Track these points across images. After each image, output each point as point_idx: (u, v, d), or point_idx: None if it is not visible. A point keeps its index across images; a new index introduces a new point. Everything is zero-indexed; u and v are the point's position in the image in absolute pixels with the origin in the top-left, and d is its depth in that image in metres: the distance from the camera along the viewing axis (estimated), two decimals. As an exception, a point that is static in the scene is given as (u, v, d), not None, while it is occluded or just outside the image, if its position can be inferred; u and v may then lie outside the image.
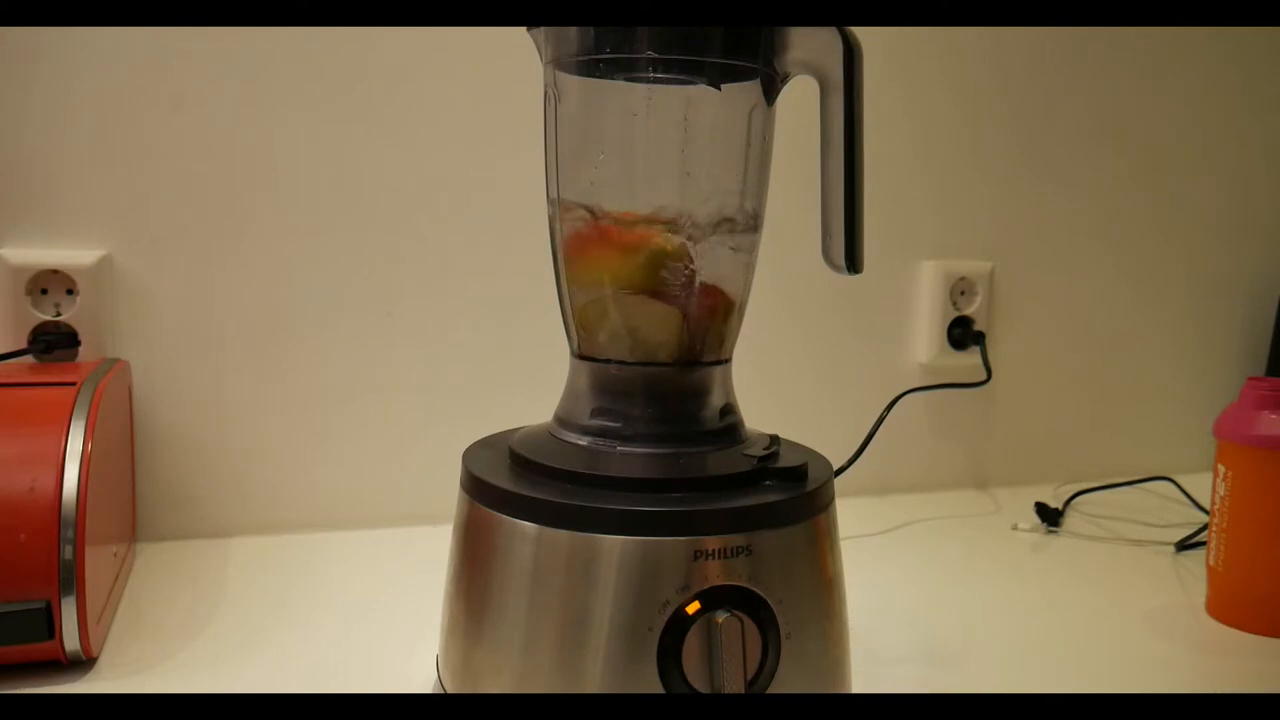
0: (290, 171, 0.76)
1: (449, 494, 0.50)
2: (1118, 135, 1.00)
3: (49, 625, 0.51)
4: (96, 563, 0.55)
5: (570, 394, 0.51)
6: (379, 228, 0.79)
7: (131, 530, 0.73)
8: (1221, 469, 0.66)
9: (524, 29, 0.50)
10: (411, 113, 0.78)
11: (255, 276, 0.77)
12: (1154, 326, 1.05)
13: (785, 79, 0.48)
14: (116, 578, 0.64)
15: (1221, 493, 0.66)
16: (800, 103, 0.52)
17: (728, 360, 0.51)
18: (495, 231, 0.81)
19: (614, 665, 0.42)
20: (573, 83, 0.48)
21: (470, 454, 0.50)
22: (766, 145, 0.50)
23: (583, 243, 0.49)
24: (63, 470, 0.53)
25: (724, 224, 0.49)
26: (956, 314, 0.95)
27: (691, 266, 0.48)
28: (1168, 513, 0.92)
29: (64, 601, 0.52)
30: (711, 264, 0.49)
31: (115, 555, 0.64)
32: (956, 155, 0.95)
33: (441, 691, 0.48)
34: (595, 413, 0.49)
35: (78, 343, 0.72)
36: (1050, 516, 0.87)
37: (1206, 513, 0.70)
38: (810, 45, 0.46)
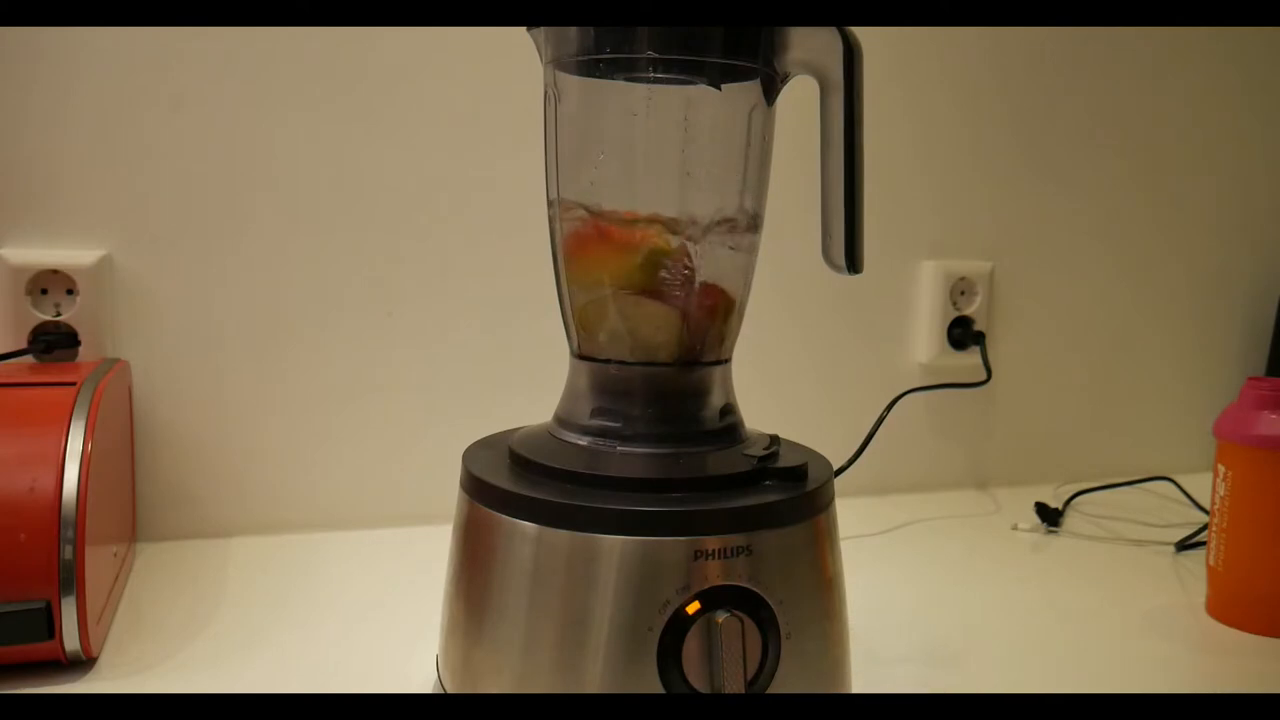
0: (290, 171, 0.76)
1: (449, 494, 0.50)
2: (1118, 135, 1.00)
3: (49, 625, 0.51)
4: (96, 563, 0.55)
5: (570, 394, 0.51)
6: (379, 228, 0.79)
7: (131, 530, 0.73)
8: (1221, 469, 0.66)
9: (524, 29, 0.50)
10: (411, 113, 0.78)
11: (255, 276, 0.77)
12: (1154, 326, 1.05)
13: (785, 79, 0.48)
14: (116, 578, 0.64)
15: (1221, 493, 0.66)
16: (800, 103, 0.52)
17: (728, 360, 0.51)
18: (495, 231, 0.81)
19: (614, 665, 0.42)
20: (573, 83, 0.48)
21: (470, 454, 0.50)
22: (766, 145, 0.49)
23: (583, 243, 0.49)
24: (63, 470, 0.53)
25: (724, 224, 0.49)
26: (956, 314, 0.95)
27: (691, 266, 0.48)
28: (1168, 513, 0.92)
29: (64, 601, 0.52)
30: (711, 264, 0.49)
31: (115, 555, 0.64)
32: (956, 155, 0.95)
33: (441, 691, 0.48)
34: (595, 413, 0.49)
35: (78, 343, 0.72)
36: (1050, 516, 0.87)
37: (1206, 513, 0.70)
38: (810, 45, 0.46)
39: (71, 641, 0.52)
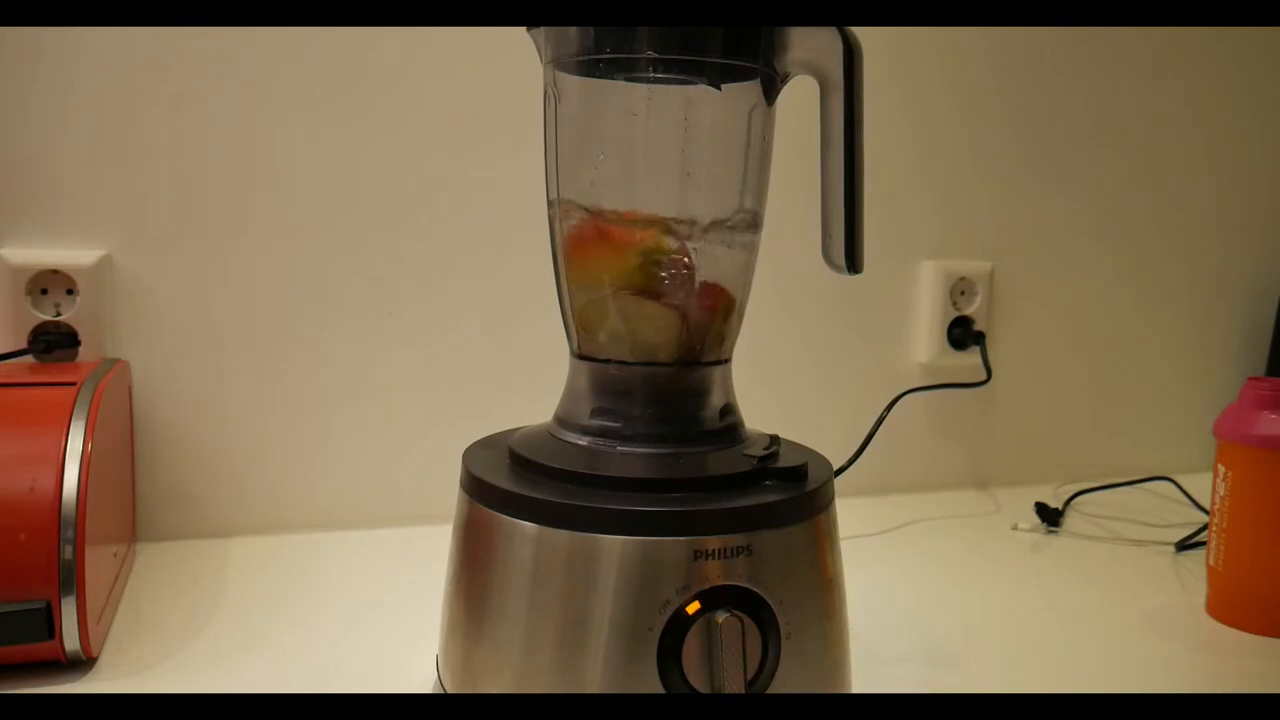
0: (290, 171, 0.76)
1: (449, 494, 0.50)
2: (1118, 135, 1.00)
3: (49, 625, 0.51)
4: (96, 563, 0.55)
5: (570, 394, 0.51)
6: (379, 228, 0.79)
7: (131, 530, 0.73)
8: (1221, 469, 0.66)
9: (524, 29, 0.50)
10: (411, 113, 0.78)
11: (255, 276, 0.77)
12: (1154, 326, 1.05)
13: (785, 79, 0.48)
14: (116, 578, 0.64)
15: (1221, 493, 0.66)
16: (800, 103, 0.52)
17: (728, 360, 0.51)
18: (495, 231, 0.81)
19: (614, 665, 0.42)
20: (573, 83, 0.48)
21: (470, 454, 0.50)
22: (766, 145, 0.49)
23: (582, 243, 0.49)
24: (63, 470, 0.53)
25: (724, 224, 0.49)
26: (956, 314, 0.95)
27: (691, 266, 0.48)
28: (1168, 513, 0.92)
29: (64, 601, 0.52)
30: (711, 264, 0.49)
31: (115, 555, 0.64)
32: (956, 155, 0.95)
33: (441, 691, 0.48)
34: (595, 413, 0.49)
35: (78, 343, 0.72)
36: (1050, 516, 0.87)
37: (1206, 513, 0.70)
38: (810, 45, 0.46)
39: (71, 641, 0.52)
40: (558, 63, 0.48)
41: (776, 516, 0.44)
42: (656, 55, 0.46)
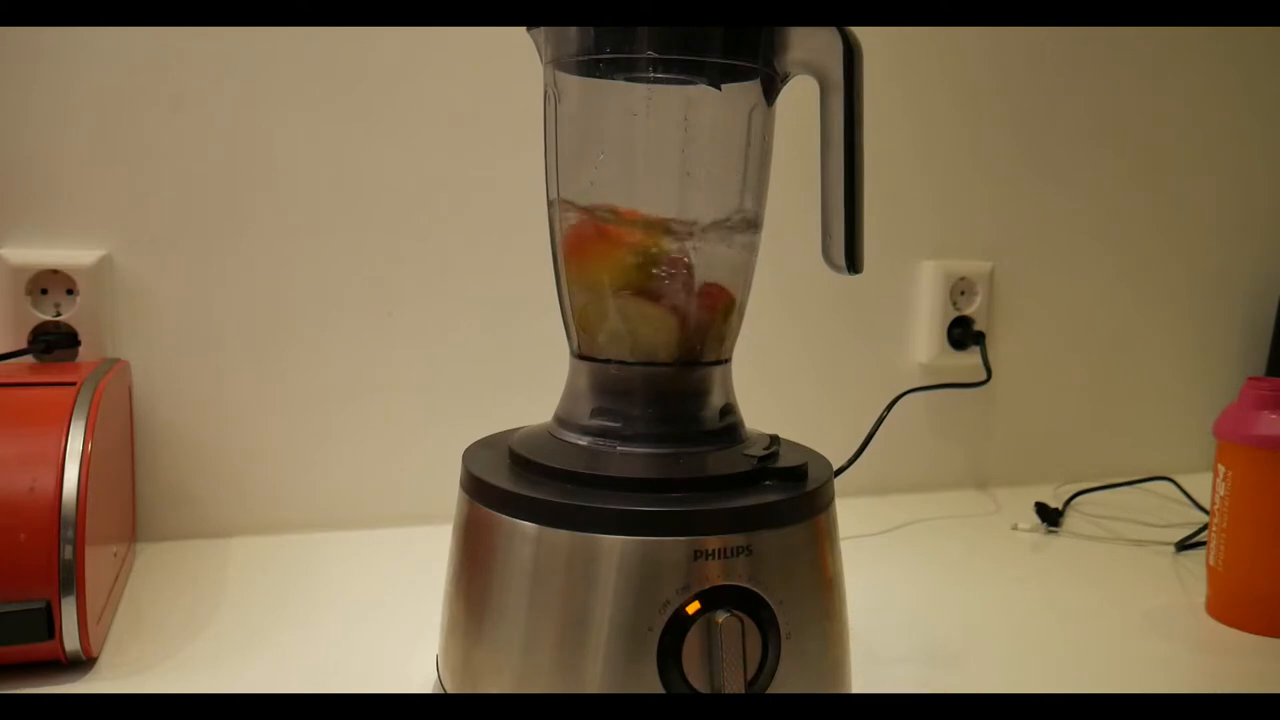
0: (290, 171, 0.76)
1: (449, 494, 0.50)
2: (1118, 135, 1.00)
3: (49, 625, 0.51)
4: (96, 563, 0.55)
5: (570, 394, 0.51)
6: (379, 228, 0.79)
7: (131, 530, 0.73)
8: (1221, 469, 0.66)
9: (524, 29, 0.50)
10: (411, 113, 0.78)
11: (255, 276, 0.77)
12: (1154, 326, 1.05)
13: (785, 79, 0.48)
14: (116, 578, 0.64)
15: (1221, 493, 0.66)
16: (800, 103, 0.52)
17: (728, 360, 0.51)
18: (495, 231, 0.81)
19: (614, 665, 0.42)
20: (573, 83, 0.48)
21: (470, 454, 0.50)
22: (766, 145, 0.49)
23: (582, 243, 0.49)
24: (63, 470, 0.53)
25: (724, 224, 0.49)
26: (956, 314, 0.95)
27: (691, 266, 0.48)
28: (1168, 513, 0.92)
29: (64, 601, 0.52)
30: (711, 264, 0.49)
31: (115, 555, 0.64)
32: (956, 155, 0.95)
33: (441, 691, 0.48)
34: (595, 413, 0.49)
35: (78, 343, 0.72)
36: (1050, 516, 0.87)
37: (1206, 513, 0.70)
38: (810, 45, 0.46)
39: (71, 641, 0.52)
40: (558, 63, 0.48)
41: (776, 516, 0.44)
42: (656, 55, 0.46)
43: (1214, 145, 1.04)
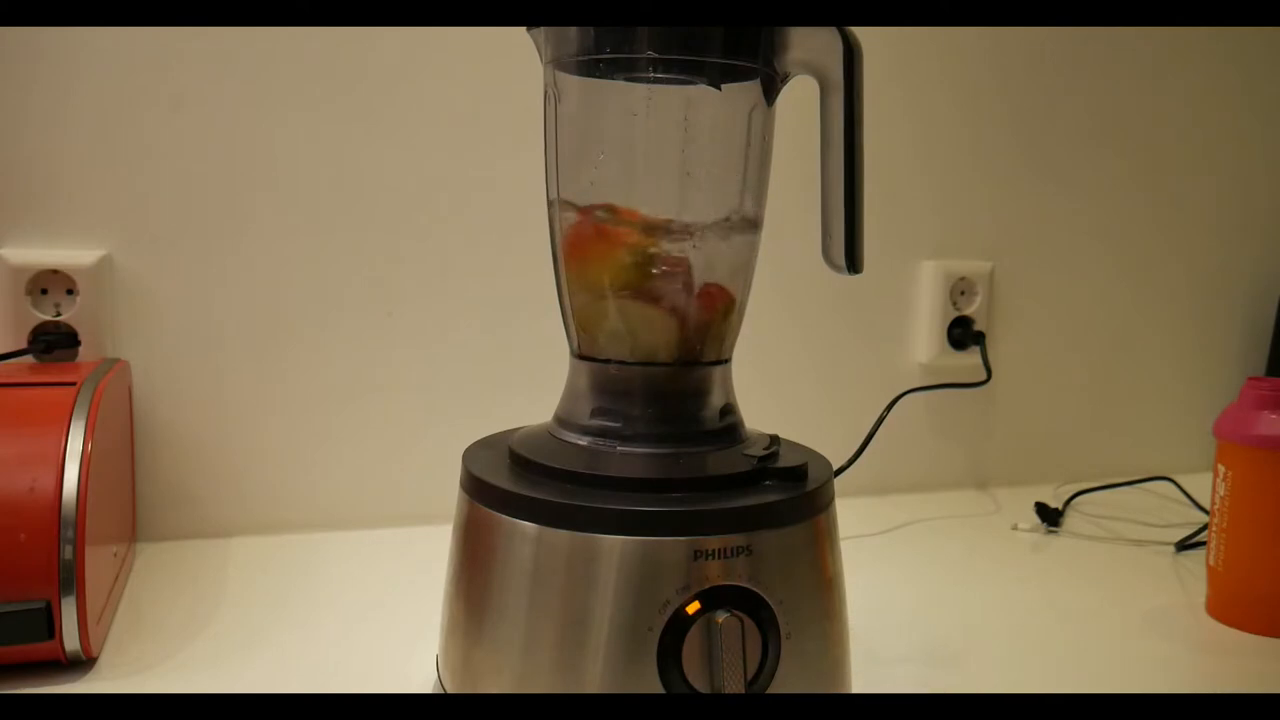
0: (290, 171, 0.76)
1: (449, 494, 0.50)
2: (1118, 135, 1.00)
3: (49, 625, 0.51)
4: (96, 563, 0.55)
5: (570, 394, 0.51)
6: (379, 228, 0.79)
7: (131, 530, 0.73)
8: (1221, 469, 0.66)
9: (524, 29, 0.50)
10: (411, 113, 0.78)
11: (255, 276, 0.77)
12: (1154, 326, 1.05)
13: (785, 79, 0.48)
14: (116, 578, 0.64)
15: (1221, 493, 0.66)
16: (800, 103, 0.52)
17: (728, 360, 0.51)
18: (495, 231, 0.81)
19: (614, 665, 0.42)
20: (573, 83, 0.48)
21: (470, 454, 0.50)
22: (766, 145, 0.49)
23: (582, 243, 0.49)
24: (63, 470, 0.53)
25: (724, 224, 0.49)
26: (956, 314, 0.95)
27: (691, 266, 0.48)
28: (1168, 513, 0.92)
29: (64, 601, 0.52)
30: (711, 264, 0.49)
31: (115, 555, 0.64)
32: (956, 155, 0.95)
33: (441, 691, 0.48)
34: (595, 413, 0.49)
35: (78, 343, 0.72)
36: (1050, 516, 0.87)
37: (1206, 513, 0.70)
38: (810, 45, 0.46)
39: (71, 641, 0.52)
40: (558, 63, 0.48)
41: (776, 516, 0.44)
42: (656, 55, 0.46)
43: (1214, 145, 1.04)
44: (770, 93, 0.48)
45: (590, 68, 0.47)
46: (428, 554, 0.71)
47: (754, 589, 0.43)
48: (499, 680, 0.44)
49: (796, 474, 0.46)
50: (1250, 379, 0.66)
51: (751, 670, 0.43)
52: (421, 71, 0.78)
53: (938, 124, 0.93)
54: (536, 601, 0.43)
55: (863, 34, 0.45)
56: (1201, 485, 0.84)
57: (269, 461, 0.78)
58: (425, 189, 0.79)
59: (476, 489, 0.47)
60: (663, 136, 0.48)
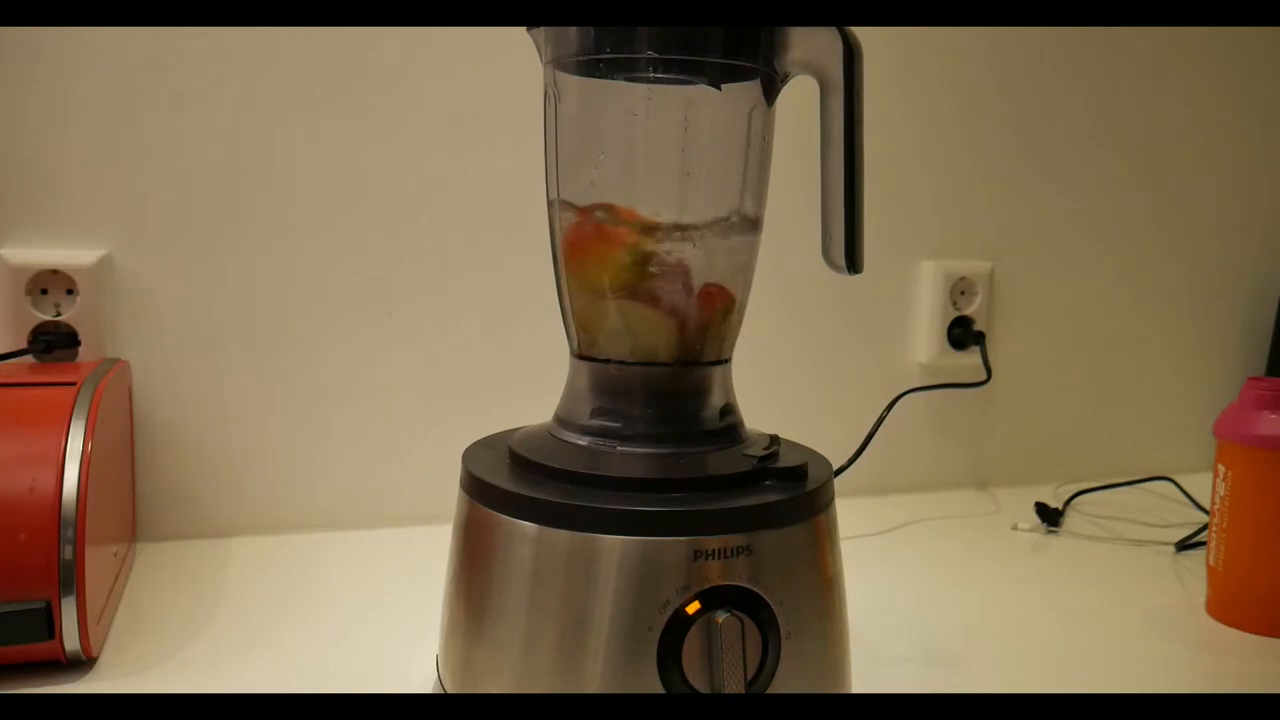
0: (290, 171, 0.76)
1: (449, 494, 0.50)
2: (1118, 135, 1.00)
3: (49, 625, 0.51)
4: (96, 563, 0.55)
5: (570, 394, 0.51)
6: (379, 228, 0.79)
7: (131, 530, 0.73)
8: (1221, 469, 0.66)
9: (524, 29, 0.50)
10: (411, 113, 0.78)
11: (255, 276, 0.77)
12: (1154, 326, 1.05)
13: (785, 79, 0.48)
14: (116, 578, 0.64)
15: (1221, 493, 0.66)
16: (800, 103, 0.52)
17: (728, 360, 0.51)
18: (495, 231, 0.81)
19: (614, 665, 0.42)
20: (573, 83, 0.48)
21: (470, 454, 0.50)
22: (766, 145, 0.49)
23: (582, 243, 0.49)
24: (63, 470, 0.53)
25: (724, 224, 0.49)
26: (956, 314, 0.95)
27: (691, 266, 0.48)
28: (1168, 513, 0.92)
29: (64, 601, 0.52)
30: (711, 264, 0.49)
31: (115, 555, 0.64)
32: (956, 155, 0.95)
33: (441, 691, 0.48)
34: (595, 413, 0.49)
35: (78, 343, 0.72)
36: (1050, 516, 0.87)
37: (1206, 513, 0.70)
38: (810, 45, 0.46)
39: (71, 641, 0.52)
40: (558, 63, 0.48)
41: (776, 516, 0.44)
42: (656, 55, 0.46)
43: (1214, 145, 1.04)
44: (770, 93, 0.48)
45: (590, 68, 0.47)
46: (428, 554, 0.71)
47: (754, 589, 0.43)
48: (499, 680, 0.44)
49: (796, 474, 0.46)
50: (1250, 379, 0.66)
51: (751, 670, 0.43)
52: (421, 71, 0.78)
53: (938, 124, 0.93)
54: (536, 601, 0.43)
55: (863, 34, 0.45)
56: (1201, 485, 0.84)
57: (269, 461, 0.78)
58: (425, 189, 0.79)
59: (476, 489, 0.47)
60: (663, 136, 0.48)
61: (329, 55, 0.76)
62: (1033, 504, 0.89)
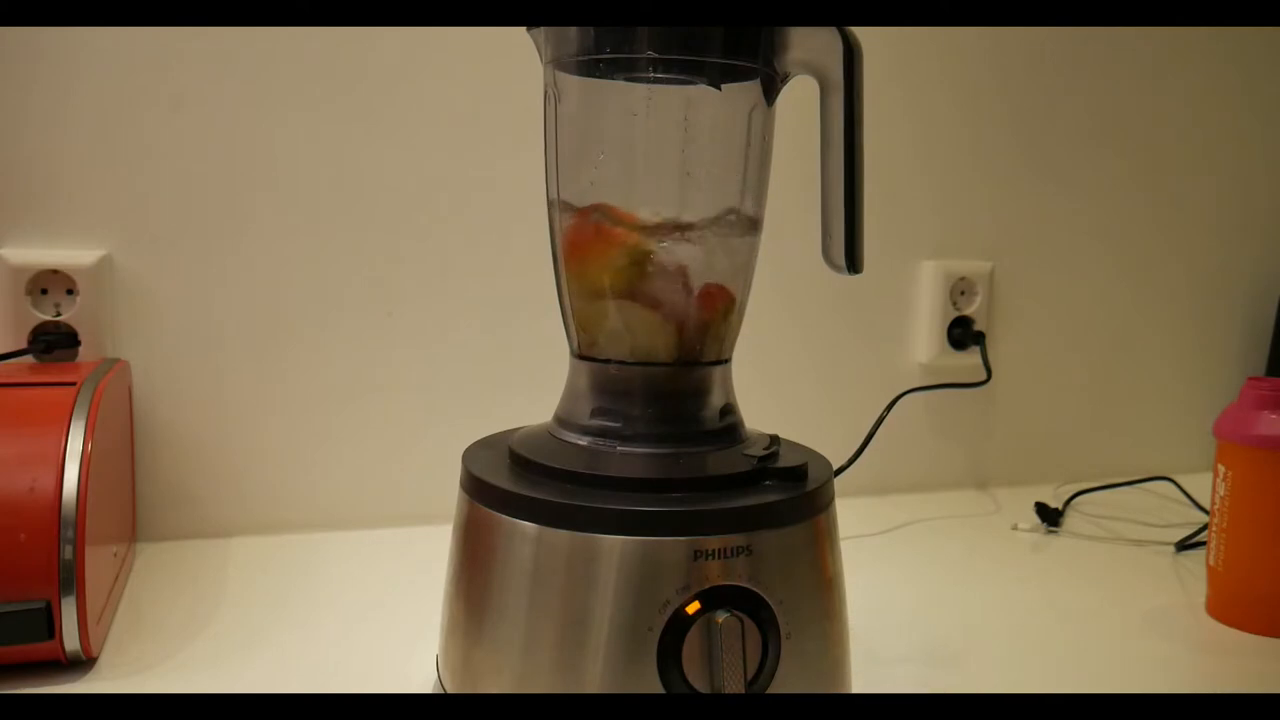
0: (290, 171, 0.76)
1: (449, 494, 0.50)
2: (1118, 135, 1.00)
3: (49, 625, 0.51)
4: (96, 563, 0.55)
5: (570, 394, 0.51)
6: (379, 228, 0.79)
7: (131, 530, 0.73)
8: (1221, 469, 0.66)
9: (524, 29, 0.50)
10: (411, 113, 0.78)
11: (255, 276, 0.77)
12: (1154, 326, 1.05)
13: (785, 79, 0.48)
14: (116, 578, 0.64)
15: (1221, 493, 0.66)
16: (800, 103, 0.52)
17: (728, 360, 0.51)
18: (495, 231, 0.81)
19: (614, 665, 0.42)
20: (573, 83, 0.48)
21: (470, 454, 0.50)
22: (766, 145, 0.49)
23: (582, 243, 0.49)
24: (63, 470, 0.53)
25: (724, 224, 0.49)
26: (956, 314, 0.95)
27: (691, 266, 0.48)
28: (1168, 513, 0.92)
29: (64, 601, 0.52)
30: (711, 264, 0.49)
31: (115, 555, 0.64)
32: (956, 155, 0.95)
33: (441, 691, 0.48)
34: (595, 413, 0.49)
35: (78, 343, 0.72)
36: (1050, 516, 0.87)
37: (1206, 513, 0.70)
38: (810, 45, 0.46)
39: (71, 641, 0.52)
40: (558, 63, 0.48)
41: (776, 516, 0.44)
42: (656, 55, 0.46)
43: (1214, 145, 1.04)
44: (770, 93, 0.48)
45: (590, 68, 0.47)
46: (428, 554, 0.71)
47: (754, 589, 0.43)
48: (499, 680, 0.44)
49: (796, 474, 0.46)
50: (1250, 379, 0.66)
51: (751, 670, 0.43)
52: (421, 71, 0.78)
53: (938, 124, 0.93)
54: (536, 601, 0.43)
55: (863, 34, 0.45)
56: (1201, 485, 0.84)
57: (269, 461, 0.78)
58: (425, 189, 0.79)
59: (476, 489, 0.47)
60: (663, 136, 0.48)
61: (329, 55, 0.76)
62: (1033, 504, 0.89)
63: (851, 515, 0.83)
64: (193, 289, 0.75)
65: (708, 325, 0.49)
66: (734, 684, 0.42)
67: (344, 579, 0.70)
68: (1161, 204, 1.03)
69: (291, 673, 0.56)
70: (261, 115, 0.75)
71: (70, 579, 0.51)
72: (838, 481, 0.53)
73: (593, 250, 0.49)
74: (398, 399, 0.81)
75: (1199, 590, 0.72)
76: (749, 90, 0.48)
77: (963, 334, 0.95)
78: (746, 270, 0.50)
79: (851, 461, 0.86)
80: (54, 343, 0.71)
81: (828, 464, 0.50)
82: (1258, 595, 0.65)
